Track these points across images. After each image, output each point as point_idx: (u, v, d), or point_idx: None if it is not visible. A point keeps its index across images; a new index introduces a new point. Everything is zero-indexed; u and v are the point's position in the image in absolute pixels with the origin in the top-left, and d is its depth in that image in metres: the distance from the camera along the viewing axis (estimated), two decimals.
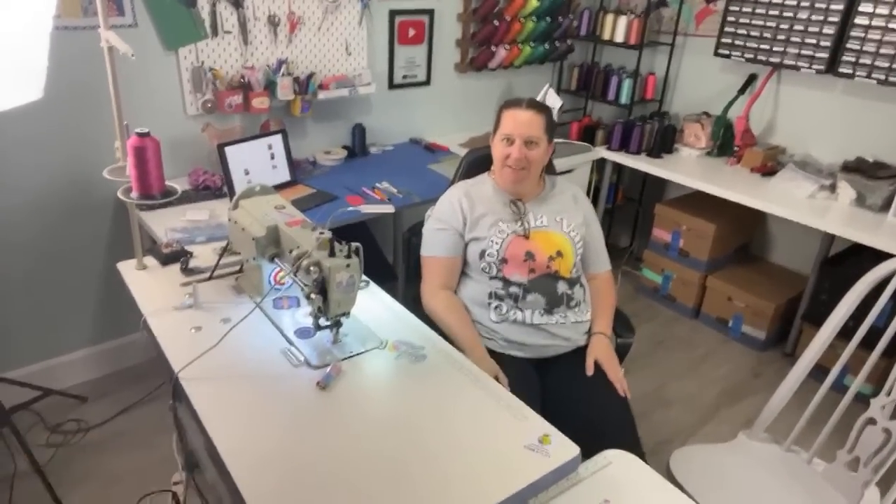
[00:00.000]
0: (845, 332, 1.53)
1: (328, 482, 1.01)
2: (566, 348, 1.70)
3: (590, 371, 1.64)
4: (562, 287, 1.69)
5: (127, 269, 1.60)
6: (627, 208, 3.65)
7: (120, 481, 2.00)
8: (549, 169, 1.91)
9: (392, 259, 3.04)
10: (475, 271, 1.71)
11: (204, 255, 1.68)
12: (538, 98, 2.86)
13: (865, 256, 2.45)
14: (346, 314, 1.32)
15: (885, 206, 2.43)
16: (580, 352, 1.70)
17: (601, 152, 3.16)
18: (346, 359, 1.31)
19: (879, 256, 1.76)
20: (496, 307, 1.67)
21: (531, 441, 1.10)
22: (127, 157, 1.43)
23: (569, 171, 3.01)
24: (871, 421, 1.43)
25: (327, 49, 2.65)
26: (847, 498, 1.44)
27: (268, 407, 1.17)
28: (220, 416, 1.13)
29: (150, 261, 1.64)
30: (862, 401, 1.46)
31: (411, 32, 2.91)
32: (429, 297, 1.70)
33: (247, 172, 2.30)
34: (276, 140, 2.41)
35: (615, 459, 1.15)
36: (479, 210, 1.71)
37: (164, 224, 2.00)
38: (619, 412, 1.58)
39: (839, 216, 2.44)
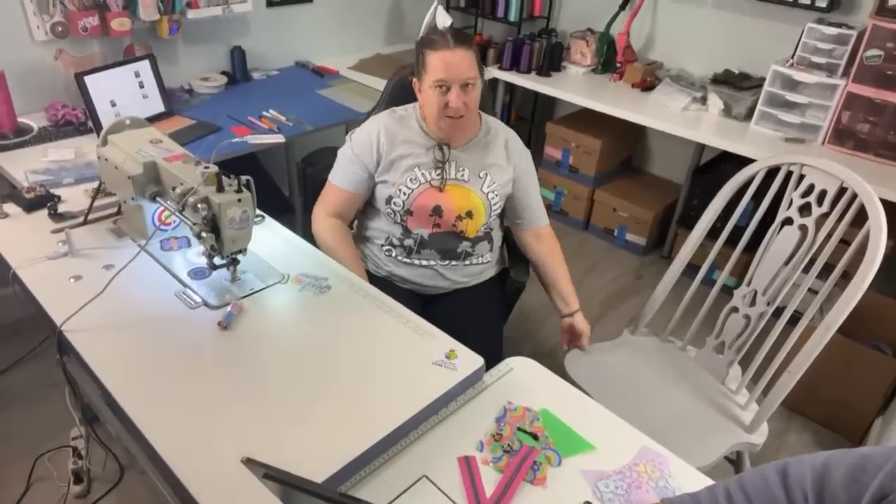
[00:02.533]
0: (713, 233, 1.69)
1: (239, 419, 1.01)
2: (449, 289, 1.67)
3: (563, 346, 1.72)
4: (463, 246, 1.62)
5: None
6: (521, 128, 3.71)
7: (11, 442, 1.88)
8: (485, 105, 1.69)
9: (288, 192, 2.94)
10: (381, 210, 1.62)
11: (74, 197, 1.54)
12: (427, 18, 2.78)
13: (731, 162, 2.69)
14: (243, 251, 1.28)
15: (749, 116, 2.64)
16: (462, 290, 1.68)
17: (493, 72, 3.15)
18: (246, 296, 1.28)
19: (742, 162, 1.93)
20: (387, 250, 1.64)
21: (439, 357, 1.16)
22: None
23: None
24: (734, 309, 1.62)
25: None
26: (714, 376, 1.65)
27: (167, 351, 1.13)
28: (115, 366, 1.08)
29: (11, 208, 1.48)
30: (727, 292, 1.65)
31: None
32: (318, 219, 1.63)
33: (113, 104, 2.09)
34: (144, 66, 2.19)
35: (516, 365, 1.23)
36: (397, 151, 1.56)
37: (23, 166, 1.80)
38: (492, 338, 1.63)
39: (709, 126, 2.63)
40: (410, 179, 1.55)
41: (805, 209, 1.52)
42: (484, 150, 1.60)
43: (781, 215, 1.55)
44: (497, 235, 1.71)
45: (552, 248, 1.73)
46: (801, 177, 1.53)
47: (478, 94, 1.51)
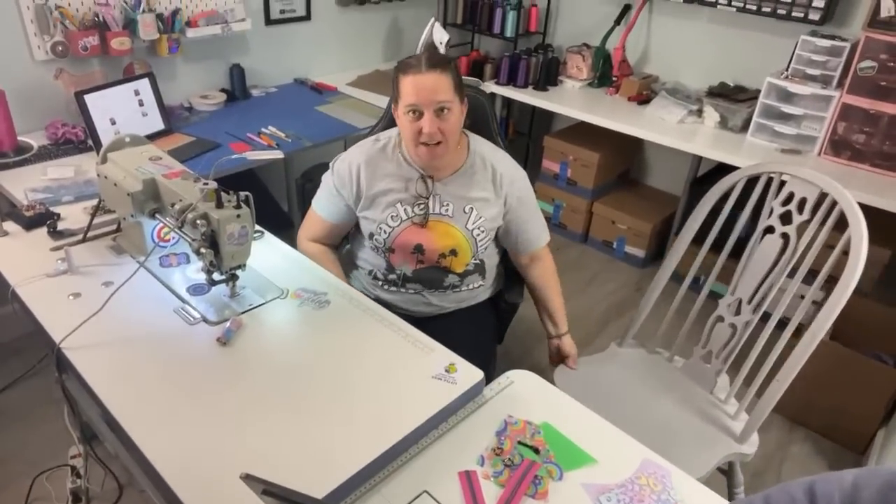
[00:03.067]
0: (701, 242, 1.66)
1: (238, 435, 1.01)
2: (435, 313, 1.64)
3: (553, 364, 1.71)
4: (450, 279, 1.58)
5: None
6: (518, 142, 3.74)
7: (10, 462, 1.87)
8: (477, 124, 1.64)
9: (287, 207, 2.95)
10: (366, 243, 1.61)
11: (74, 215, 1.55)
12: (424, 34, 2.81)
13: (727, 174, 2.69)
14: (242, 266, 1.28)
15: (745, 128, 2.66)
16: (453, 312, 1.66)
17: (491, 87, 3.18)
18: (245, 312, 1.28)
19: None
20: (373, 278, 1.62)
21: (438, 371, 1.15)
22: None
23: None
24: (720, 318, 1.61)
25: None
26: (702, 386, 1.63)
27: (166, 368, 1.13)
28: (114, 384, 1.08)
29: (11, 226, 1.48)
30: (716, 300, 1.63)
31: None
32: (302, 240, 1.64)
33: (113, 122, 2.11)
34: (144, 85, 2.21)
35: (517, 379, 1.23)
36: (379, 186, 1.51)
37: (23, 184, 1.80)
38: (483, 359, 1.59)
39: (705, 139, 2.64)
40: (391, 217, 1.50)
41: (786, 217, 1.51)
42: (469, 181, 1.52)
43: (763, 224, 1.54)
44: (490, 263, 1.65)
45: (546, 269, 1.69)
46: (782, 184, 1.53)
47: (457, 119, 1.43)
